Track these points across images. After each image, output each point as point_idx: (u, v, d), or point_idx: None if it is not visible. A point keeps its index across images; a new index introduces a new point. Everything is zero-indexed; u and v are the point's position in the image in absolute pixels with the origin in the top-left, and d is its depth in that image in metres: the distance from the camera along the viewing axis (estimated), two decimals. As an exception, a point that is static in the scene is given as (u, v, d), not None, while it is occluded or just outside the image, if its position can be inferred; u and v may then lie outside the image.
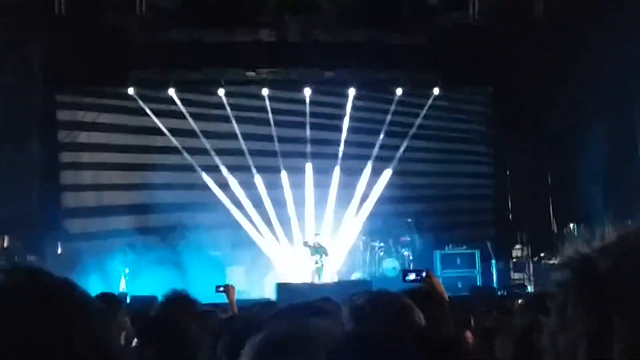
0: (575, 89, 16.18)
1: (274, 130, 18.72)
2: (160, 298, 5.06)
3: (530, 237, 17.99)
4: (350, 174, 18.86)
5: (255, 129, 18.89)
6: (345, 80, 18.75)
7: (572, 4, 15.76)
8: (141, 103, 17.98)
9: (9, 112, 15.56)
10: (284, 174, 18.62)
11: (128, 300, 14.54)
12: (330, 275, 17.27)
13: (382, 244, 18.22)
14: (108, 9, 16.25)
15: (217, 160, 18.34)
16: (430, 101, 19.08)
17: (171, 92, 18.07)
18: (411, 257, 18.01)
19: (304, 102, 18.70)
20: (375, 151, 19.01)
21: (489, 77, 19.12)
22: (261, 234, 18.41)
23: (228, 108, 18.44)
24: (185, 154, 18.19)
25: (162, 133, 18.12)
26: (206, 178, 18.28)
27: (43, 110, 17.32)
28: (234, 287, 6.97)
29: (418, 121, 19.18)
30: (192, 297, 4.70)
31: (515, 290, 16.31)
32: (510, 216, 19.66)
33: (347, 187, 18.79)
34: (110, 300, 4.59)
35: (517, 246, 17.99)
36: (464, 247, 17.96)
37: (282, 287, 15.44)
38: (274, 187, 18.54)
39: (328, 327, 1.79)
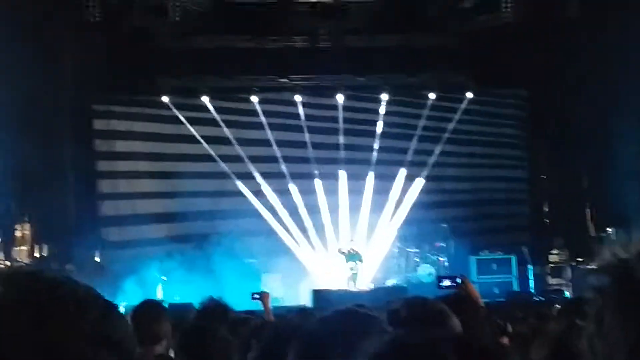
0: (609, 89, 15.97)
1: (307, 137, 18.73)
2: (196, 306, 5.08)
3: (568, 241, 17.76)
4: (384, 180, 18.79)
5: (288, 135, 18.92)
6: (377, 86, 18.70)
7: (605, 3, 15.57)
8: (175, 111, 18.10)
9: (44, 121, 15.72)
10: (317, 181, 18.61)
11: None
12: (365, 282, 17.22)
13: (417, 250, 18.13)
14: (139, 15, 16.38)
15: (251, 167, 18.39)
16: (464, 105, 18.96)
17: (204, 99, 18.18)
18: (446, 263, 17.89)
19: (336, 108, 18.70)
20: (409, 156, 18.93)
21: (522, 80, 18.94)
22: (296, 241, 18.41)
23: (261, 115, 18.50)
24: (220, 162, 18.26)
25: (196, 141, 18.22)
26: (240, 185, 18.34)
27: (79, 119, 17.49)
28: (269, 294, 6.99)
29: (452, 125, 19.07)
30: (228, 304, 4.72)
31: (553, 295, 16.10)
32: (547, 221, 19.44)
33: (381, 193, 18.72)
34: (155, 307, 4.62)
35: (555, 251, 17.77)
36: (500, 253, 17.79)
37: (317, 294, 15.44)
38: (307, 193, 18.53)
39: (372, 332, 1.79)
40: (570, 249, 17.50)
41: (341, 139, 18.81)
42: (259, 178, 18.42)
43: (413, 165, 18.97)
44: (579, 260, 16.78)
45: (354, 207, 18.52)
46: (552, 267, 17.64)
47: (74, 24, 16.00)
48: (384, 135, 18.86)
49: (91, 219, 17.45)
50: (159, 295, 16.17)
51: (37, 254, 14.74)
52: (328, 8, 17.04)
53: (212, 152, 18.26)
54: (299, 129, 18.74)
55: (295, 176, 18.62)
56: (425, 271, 17.67)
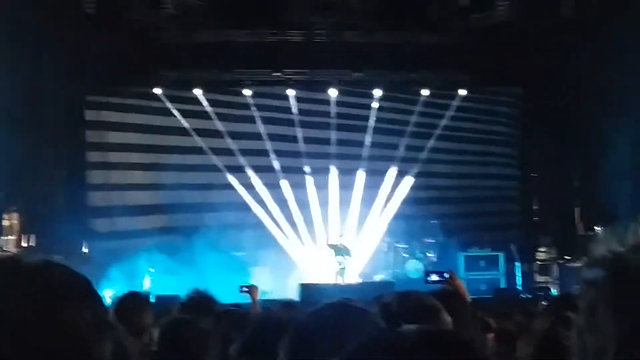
0: (603, 89, 16.00)
1: (299, 131, 18.71)
2: (183, 298, 5.05)
3: (556, 239, 17.83)
4: (375, 175, 18.80)
5: (280, 129, 18.90)
6: (371, 81, 18.69)
7: (599, 3, 15.59)
8: (167, 103, 18.05)
9: (37, 111, 15.66)
10: (308, 175, 18.60)
11: (152, 300, 14.63)
12: (353, 276, 17.23)
13: (405, 246, 18.16)
14: (136, 7, 16.32)
15: (242, 160, 18.36)
16: (456, 102, 18.98)
17: (197, 92, 18.13)
18: (435, 259, 17.93)
19: (329, 103, 18.68)
20: (401, 152, 18.94)
21: (517, 78, 18.95)
22: (285, 235, 18.42)
23: (254, 108, 18.46)
24: (211, 154, 18.23)
25: (188, 133, 18.18)
26: (231, 178, 18.31)
27: (71, 110, 17.42)
28: (257, 288, 6.95)
29: (443, 122, 19.10)
30: (213, 297, 4.69)
31: (540, 293, 16.17)
32: (536, 218, 19.49)
33: (371, 188, 18.74)
34: (138, 299, 4.60)
35: (543, 249, 17.83)
36: (488, 250, 17.85)
37: (305, 288, 15.43)
38: (298, 187, 18.54)
39: (363, 326, 1.78)
40: (558, 247, 17.57)
41: (333, 134, 18.80)
42: (249, 171, 18.41)
43: (404, 161, 19.00)
44: (566, 259, 16.84)
45: (344, 202, 18.53)
46: (539, 264, 17.70)
47: (70, 15, 15.92)
48: (375, 130, 18.87)
49: (80, 209, 17.39)
50: (146, 286, 16.14)
51: (24, 244, 14.69)
52: (329, 3, 17.02)
53: (203, 145, 18.23)
54: (291, 123, 18.72)
55: (286, 170, 18.62)
56: (414, 267, 17.70)
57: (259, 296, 7.13)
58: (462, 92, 18.79)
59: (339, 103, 18.86)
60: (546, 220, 18.96)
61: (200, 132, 18.31)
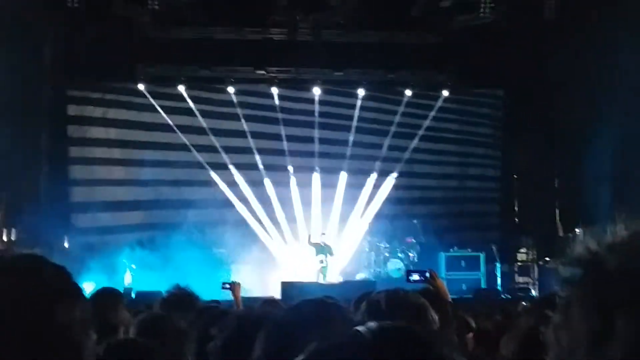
0: (584, 92, 16.11)
1: (282, 129, 18.70)
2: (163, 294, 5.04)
3: (536, 241, 17.94)
4: (358, 174, 18.83)
5: (263, 127, 18.88)
6: (354, 81, 18.73)
7: (582, 5, 15.70)
8: (150, 99, 18.00)
9: (19, 105, 15.56)
10: (291, 173, 18.60)
11: (133, 295, 14.59)
12: (334, 275, 17.25)
13: (387, 245, 18.20)
14: (120, 3, 16.27)
15: (225, 158, 18.34)
16: (439, 103, 19.05)
17: (181, 88, 18.09)
18: (416, 259, 17.98)
19: (313, 101, 18.69)
20: (383, 152, 18.98)
21: (499, 80, 19.05)
22: (267, 233, 18.41)
23: (237, 106, 18.44)
24: (194, 151, 18.19)
25: (170, 130, 18.13)
26: (213, 175, 18.28)
27: (53, 104, 17.33)
28: (240, 285, 6.93)
29: (426, 123, 19.16)
30: (194, 293, 4.68)
31: (519, 293, 16.27)
32: (517, 220, 19.59)
33: (354, 188, 18.77)
34: (110, 294, 4.56)
35: (523, 250, 17.94)
36: (469, 250, 17.93)
37: (287, 286, 15.43)
38: (281, 185, 18.53)
39: (340, 322, 1.79)
40: (538, 248, 17.69)
41: (316, 133, 18.81)
42: (232, 169, 18.39)
43: (386, 161, 19.05)
44: (546, 260, 16.95)
45: (327, 201, 18.54)
46: (519, 265, 17.80)
47: (53, 9, 15.83)
48: (359, 130, 18.90)
49: (62, 204, 17.31)
50: (127, 282, 16.10)
51: (4, 238, 14.62)
52: (311, 1, 17.03)
53: (186, 141, 18.19)
54: (274, 121, 18.71)
55: (269, 168, 18.60)
56: (395, 266, 17.75)
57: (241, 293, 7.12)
58: (445, 92, 18.87)
59: (322, 102, 18.87)
60: (527, 222, 19.06)
61: (183, 129, 18.27)
